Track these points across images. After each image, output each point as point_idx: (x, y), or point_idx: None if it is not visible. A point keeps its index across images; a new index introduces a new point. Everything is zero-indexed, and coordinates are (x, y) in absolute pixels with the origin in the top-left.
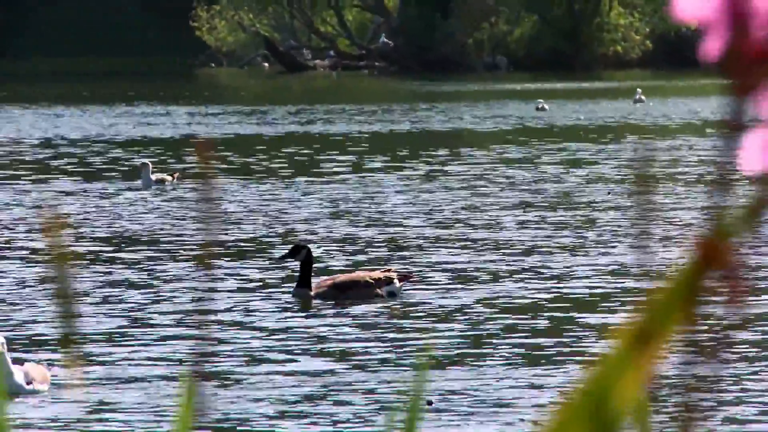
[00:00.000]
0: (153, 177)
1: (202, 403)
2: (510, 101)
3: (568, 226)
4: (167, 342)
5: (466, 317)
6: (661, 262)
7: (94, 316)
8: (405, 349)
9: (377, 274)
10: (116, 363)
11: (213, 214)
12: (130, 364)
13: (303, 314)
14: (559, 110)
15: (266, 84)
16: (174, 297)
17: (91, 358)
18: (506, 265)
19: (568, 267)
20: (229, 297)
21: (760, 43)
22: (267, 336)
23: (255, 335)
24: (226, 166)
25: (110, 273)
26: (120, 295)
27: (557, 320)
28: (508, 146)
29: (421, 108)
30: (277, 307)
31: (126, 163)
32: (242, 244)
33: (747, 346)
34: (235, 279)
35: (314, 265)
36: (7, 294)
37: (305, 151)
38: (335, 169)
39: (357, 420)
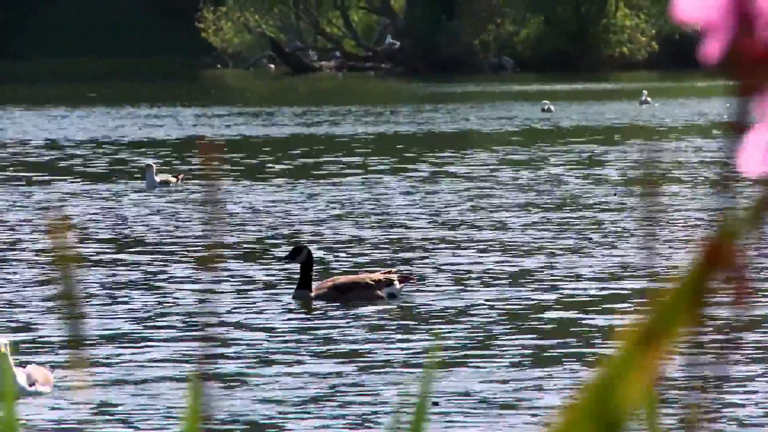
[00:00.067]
0: (157, 178)
1: (208, 405)
2: (516, 102)
3: (573, 227)
4: (171, 343)
5: (473, 318)
6: (667, 264)
7: (97, 318)
8: (407, 351)
9: (378, 276)
10: (118, 364)
11: (218, 215)
12: (132, 366)
13: (303, 316)
14: (564, 111)
15: (272, 85)
16: (178, 298)
17: (94, 359)
18: (512, 266)
19: (573, 268)
20: (232, 298)
21: (764, 43)
22: (267, 336)
23: (255, 336)
24: (231, 167)
25: (114, 274)
26: (123, 296)
27: (563, 322)
28: (513, 147)
29: (426, 109)
30: (277, 309)
31: (131, 164)
32: (247, 245)
33: (753, 347)
34: (238, 280)
35: (320, 267)
36: (11, 295)
37: (311, 153)
38: (341, 171)
39: (358, 421)
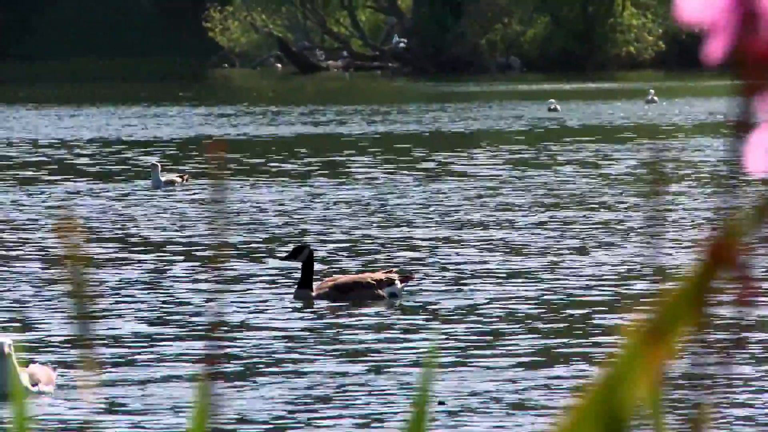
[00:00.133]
0: (163, 178)
1: (215, 404)
2: (522, 102)
3: (579, 226)
4: (176, 342)
5: (478, 317)
6: (672, 263)
7: (102, 316)
8: (409, 350)
9: (379, 275)
10: (124, 364)
11: (223, 214)
12: (136, 365)
13: (304, 315)
14: (571, 111)
15: (279, 85)
16: (183, 297)
17: (100, 359)
18: (518, 265)
19: (579, 267)
20: (235, 297)
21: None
22: (267, 337)
23: (254, 336)
24: (238, 166)
25: (119, 273)
26: (129, 296)
27: (569, 320)
28: (520, 147)
29: (433, 108)
30: (278, 309)
31: (137, 163)
32: (254, 244)
33: (758, 345)
34: (241, 279)
35: (325, 266)
36: (16, 294)
37: (318, 152)
38: (348, 170)
39: (359, 421)
